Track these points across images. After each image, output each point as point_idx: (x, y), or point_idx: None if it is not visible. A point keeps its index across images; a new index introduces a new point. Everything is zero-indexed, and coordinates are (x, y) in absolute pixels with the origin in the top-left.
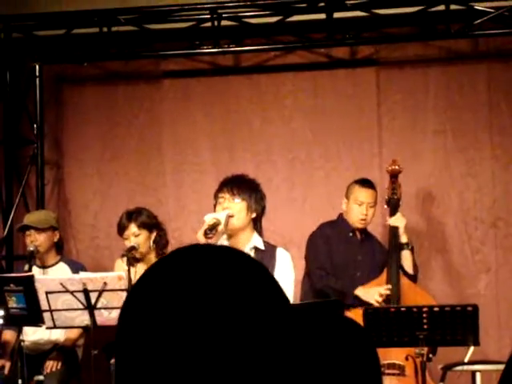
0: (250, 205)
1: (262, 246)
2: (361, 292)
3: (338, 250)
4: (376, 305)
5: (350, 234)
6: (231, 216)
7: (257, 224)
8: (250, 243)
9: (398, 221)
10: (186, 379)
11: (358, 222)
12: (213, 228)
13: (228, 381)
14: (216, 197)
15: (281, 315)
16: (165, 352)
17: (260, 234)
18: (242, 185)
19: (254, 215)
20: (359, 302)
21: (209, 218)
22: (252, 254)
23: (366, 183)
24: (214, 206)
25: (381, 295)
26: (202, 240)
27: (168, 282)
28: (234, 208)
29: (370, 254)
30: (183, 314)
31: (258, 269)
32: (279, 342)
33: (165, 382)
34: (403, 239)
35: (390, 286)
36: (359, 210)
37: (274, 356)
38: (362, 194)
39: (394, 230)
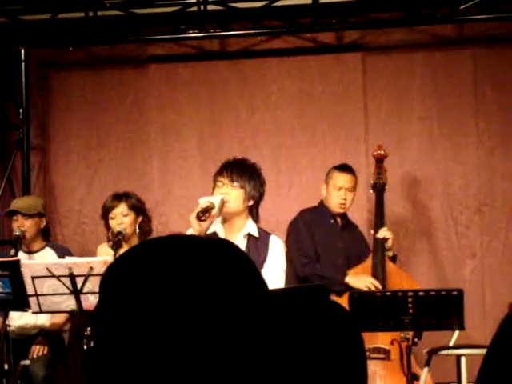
0: (247, 192)
1: (255, 233)
2: (351, 280)
3: (319, 237)
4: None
5: (332, 221)
6: (226, 201)
7: (253, 210)
8: (244, 230)
9: (386, 233)
10: (161, 366)
11: (337, 206)
12: (206, 211)
13: (208, 368)
14: (215, 180)
15: (259, 300)
16: (139, 341)
17: (256, 220)
18: (242, 171)
19: (251, 202)
20: (348, 290)
21: (203, 201)
22: (245, 240)
23: (344, 168)
24: (213, 188)
25: (372, 284)
26: (194, 222)
27: (143, 269)
28: (232, 194)
29: (350, 242)
30: (159, 300)
31: (239, 257)
32: (257, 326)
33: (140, 371)
34: (390, 253)
35: (378, 284)
36: (338, 194)
37: (252, 341)
38: (341, 179)
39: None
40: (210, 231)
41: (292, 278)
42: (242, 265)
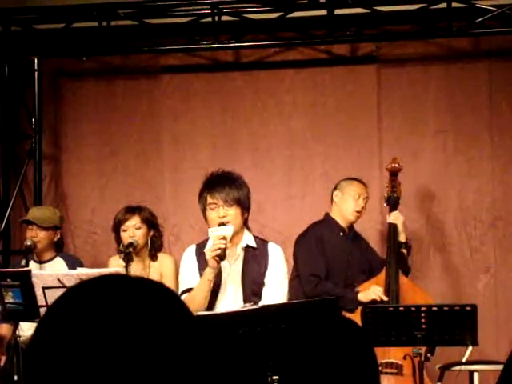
0: (244, 207)
1: (253, 244)
2: (362, 296)
3: (330, 251)
4: (377, 299)
5: (341, 234)
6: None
7: (246, 221)
8: (241, 242)
9: (396, 218)
10: None
11: (353, 214)
12: (225, 250)
13: None
14: (204, 202)
15: (185, 327)
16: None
17: (248, 229)
18: (233, 187)
19: (246, 215)
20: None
21: (216, 240)
22: (242, 252)
23: (358, 179)
24: (203, 211)
25: (380, 292)
26: (211, 262)
27: (82, 308)
28: (230, 214)
29: (358, 254)
30: (95, 337)
31: (165, 293)
32: (184, 353)
33: None
34: (401, 238)
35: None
36: (357, 202)
37: (182, 360)
38: (359, 188)
39: (392, 228)
40: None
41: (300, 293)
42: (167, 299)
